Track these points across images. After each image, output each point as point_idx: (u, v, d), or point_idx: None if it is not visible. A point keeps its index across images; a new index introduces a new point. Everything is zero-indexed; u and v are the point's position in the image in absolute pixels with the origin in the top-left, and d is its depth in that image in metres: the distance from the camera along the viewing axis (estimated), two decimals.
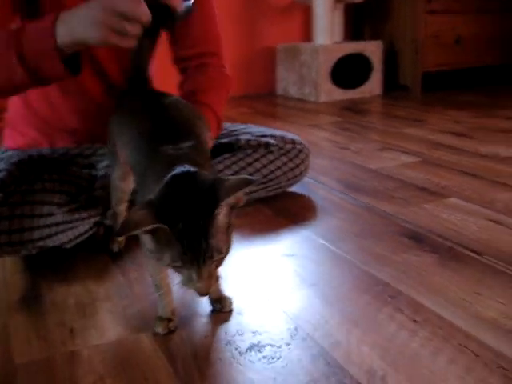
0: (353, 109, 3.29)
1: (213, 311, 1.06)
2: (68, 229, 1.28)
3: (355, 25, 4.05)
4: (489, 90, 3.79)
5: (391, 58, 3.78)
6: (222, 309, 1.05)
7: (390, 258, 1.24)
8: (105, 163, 1.46)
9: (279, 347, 0.93)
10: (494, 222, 1.43)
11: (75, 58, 1.12)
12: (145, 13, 0.99)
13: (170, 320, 0.99)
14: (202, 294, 0.80)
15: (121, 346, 0.95)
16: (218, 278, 0.88)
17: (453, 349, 0.91)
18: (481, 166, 1.93)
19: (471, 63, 3.86)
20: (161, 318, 0.99)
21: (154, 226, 0.74)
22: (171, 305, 1.00)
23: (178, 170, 0.81)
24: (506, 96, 3.55)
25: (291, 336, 0.97)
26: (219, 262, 0.81)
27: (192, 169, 0.81)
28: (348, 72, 3.61)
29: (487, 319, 0.99)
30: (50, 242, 1.25)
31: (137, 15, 0.98)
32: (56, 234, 1.27)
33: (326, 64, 3.48)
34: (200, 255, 0.76)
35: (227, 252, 0.81)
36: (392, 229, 1.41)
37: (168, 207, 0.76)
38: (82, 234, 1.32)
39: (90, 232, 1.34)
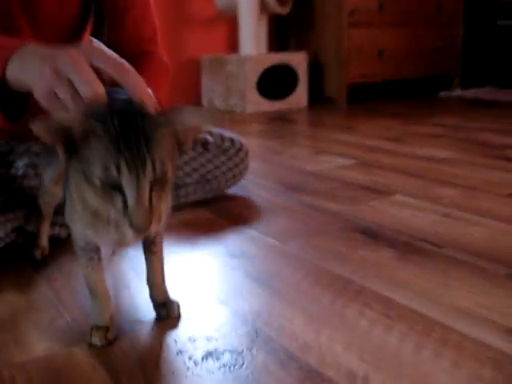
0: (281, 118, 3.23)
1: (158, 318, 0.91)
2: None
3: (280, 36, 4.03)
4: (410, 101, 3.86)
5: (316, 70, 3.78)
6: (168, 314, 0.91)
7: (347, 255, 1.15)
8: (24, 162, 1.28)
9: (240, 353, 0.80)
10: (445, 216, 1.38)
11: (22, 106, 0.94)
12: (94, 91, 0.75)
13: (107, 329, 0.84)
14: (139, 228, 0.64)
15: (51, 363, 0.78)
16: (160, 219, 0.69)
17: (435, 343, 0.81)
18: (420, 167, 1.90)
19: (393, 75, 3.93)
20: (97, 327, 0.83)
21: (83, 121, 0.64)
22: (109, 311, 0.85)
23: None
24: (428, 107, 3.62)
25: (252, 340, 0.84)
26: (162, 193, 0.68)
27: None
28: (274, 83, 3.56)
29: (462, 309, 0.91)
30: None
31: (83, 90, 0.76)
32: None
33: (252, 75, 3.41)
34: (140, 163, 0.63)
35: (169, 191, 0.71)
36: (342, 226, 1.32)
37: (102, 113, 0.67)
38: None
39: (8, 239, 1.16)
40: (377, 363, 0.77)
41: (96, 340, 0.82)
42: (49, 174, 1.04)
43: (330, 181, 1.75)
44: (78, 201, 0.73)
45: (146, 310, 0.92)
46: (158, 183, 0.66)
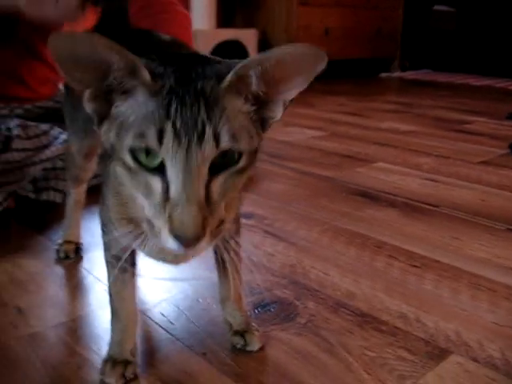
0: None
1: (234, 348, 0.72)
2: None
3: (226, 13, 4.00)
4: (353, 80, 3.96)
5: (264, 48, 3.79)
6: (246, 346, 0.71)
7: (355, 214, 1.19)
8: (15, 123, 1.22)
9: (290, 304, 0.82)
10: (430, 180, 1.45)
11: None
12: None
13: (127, 363, 0.65)
14: (183, 238, 0.42)
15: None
16: (220, 227, 0.46)
17: (467, 288, 0.87)
18: (389, 138, 1.97)
19: (337, 55, 4.01)
20: (113, 362, 0.65)
21: (129, 56, 0.43)
22: (132, 340, 0.67)
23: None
24: (372, 86, 3.74)
25: (296, 292, 0.85)
26: (229, 185, 0.45)
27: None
28: (225, 59, 3.54)
29: (482, 260, 0.97)
30: None
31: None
32: None
33: (204, 49, 3.37)
34: (195, 131, 0.42)
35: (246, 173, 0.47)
36: (339, 189, 1.36)
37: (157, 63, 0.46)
38: None
39: (5, 204, 1.11)
40: (422, 306, 0.81)
41: (111, 380, 0.64)
42: (76, 143, 0.89)
43: (308, 150, 1.78)
44: (112, 189, 0.57)
45: (182, 332, 0.91)
46: (223, 167, 0.45)
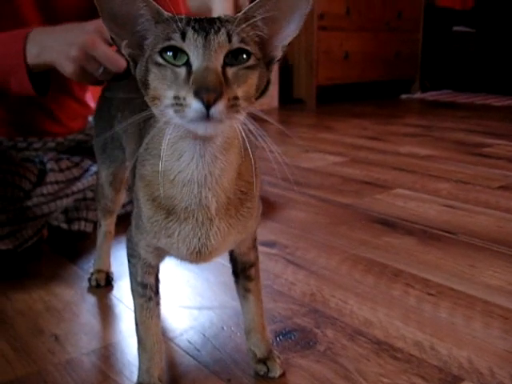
0: (256, 119, 3.28)
1: (256, 375, 0.76)
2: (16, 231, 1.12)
3: None
4: (374, 103, 4.00)
5: (285, 72, 3.87)
6: (268, 373, 0.75)
7: (373, 242, 1.22)
8: (48, 157, 1.30)
9: (309, 331, 0.86)
10: (448, 206, 1.48)
11: (44, 77, 1.07)
12: (120, 66, 0.92)
13: None
14: (204, 87, 0.48)
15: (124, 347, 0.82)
16: (237, 101, 0.52)
17: (481, 315, 0.90)
18: (408, 163, 2.00)
19: (357, 78, 4.07)
20: None
21: (152, 4, 0.55)
22: (159, 367, 0.71)
23: None
24: (393, 108, 3.77)
25: (316, 320, 0.90)
26: (243, 79, 0.53)
27: None
28: None
29: (495, 287, 1.00)
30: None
31: (111, 67, 0.92)
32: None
33: None
34: (211, 29, 0.52)
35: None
36: (358, 217, 1.40)
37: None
38: (30, 237, 1.16)
39: (35, 238, 1.18)
40: (436, 334, 0.84)
41: None
42: (105, 175, 0.96)
43: (329, 176, 1.82)
44: (145, 201, 0.62)
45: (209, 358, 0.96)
46: (237, 66, 0.53)
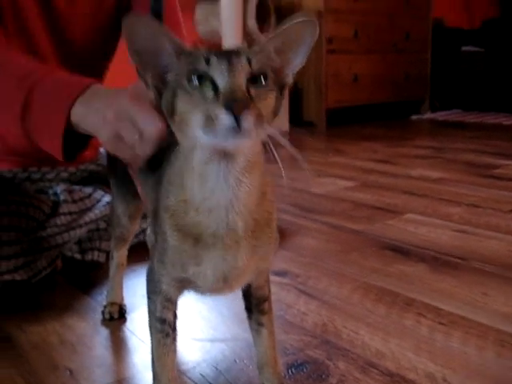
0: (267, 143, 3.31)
1: None
2: (30, 262, 1.14)
3: None
4: (384, 124, 4.01)
5: (295, 96, 3.90)
6: None
7: (385, 270, 1.23)
8: (61, 188, 1.32)
9: (321, 363, 0.86)
10: (460, 231, 1.48)
11: (80, 143, 0.94)
12: (158, 129, 0.75)
13: None
14: (234, 100, 0.51)
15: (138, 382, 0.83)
16: (261, 119, 0.53)
17: (493, 345, 0.90)
18: (419, 187, 2.00)
19: (366, 100, 4.09)
20: None
21: (175, 40, 0.59)
22: None
23: None
24: (404, 129, 3.78)
25: (327, 352, 0.90)
26: (262, 100, 0.56)
27: None
28: None
29: (508, 315, 1.00)
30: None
31: (148, 131, 0.76)
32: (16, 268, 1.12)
33: None
34: (233, 54, 0.56)
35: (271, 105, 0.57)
36: (369, 244, 1.40)
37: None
38: (44, 268, 1.18)
39: (49, 269, 1.19)
40: (449, 365, 0.84)
41: None
42: (121, 205, 0.97)
43: (340, 201, 1.83)
44: (172, 231, 0.63)
45: None
46: (256, 86, 0.56)
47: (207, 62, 0.55)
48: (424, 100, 4.52)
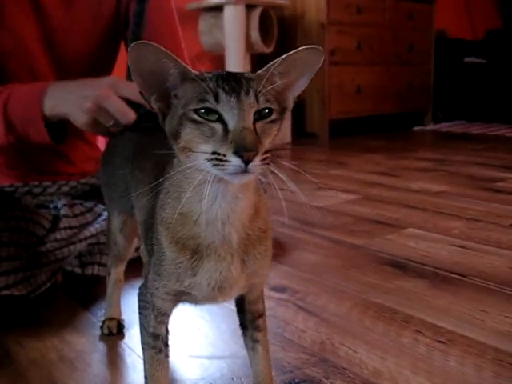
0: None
1: None
2: (29, 277, 1.14)
3: None
4: (387, 135, 4.02)
5: (298, 107, 3.91)
6: None
7: (384, 286, 1.23)
8: (62, 202, 1.33)
9: (318, 382, 0.86)
10: (460, 247, 1.48)
11: (62, 126, 1.14)
12: (130, 119, 0.99)
13: None
14: (245, 146, 0.54)
15: None
16: (266, 156, 0.56)
17: (491, 364, 0.90)
18: (420, 200, 2.01)
19: (369, 111, 4.10)
20: None
21: (180, 64, 0.59)
22: None
23: None
24: (406, 141, 3.79)
25: (325, 370, 0.90)
26: (267, 135, 0.58)
27: None
28: None
29: (507, 334, 1.00)
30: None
31: (122, 119, 0.99)
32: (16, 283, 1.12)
33: None
34: (241, 90, 0.57)
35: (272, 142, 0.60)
36: (369, 259, 1.40)
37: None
38: (44, 283, 1.18)
39: (48, 283, 1.20)
40: None
41: None
42: (115, 222, 0.97)
43: (341, 215, 1.83)
44: (168, 244, 0.64)
45: None
46: (262, 121, 0.58)
47: (216, 98, 0.56)
48: (427, 111, 4.54)
